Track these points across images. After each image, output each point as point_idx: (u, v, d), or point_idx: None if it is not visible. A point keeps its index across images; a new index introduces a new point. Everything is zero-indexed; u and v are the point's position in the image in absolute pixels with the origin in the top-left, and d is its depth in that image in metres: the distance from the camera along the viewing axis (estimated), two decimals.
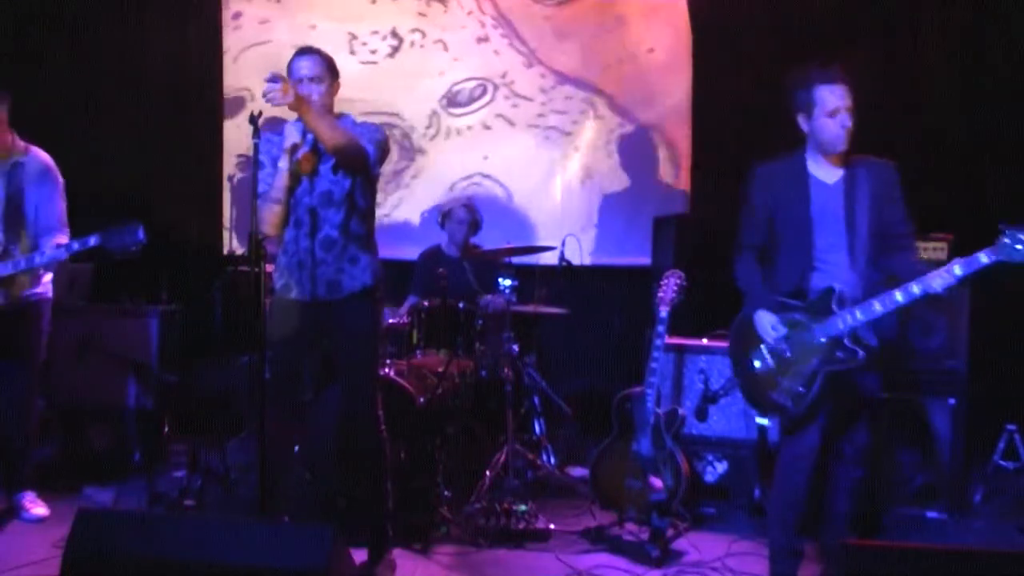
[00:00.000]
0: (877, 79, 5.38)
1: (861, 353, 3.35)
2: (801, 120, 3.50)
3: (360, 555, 3.74)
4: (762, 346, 3.52)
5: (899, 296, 3.27)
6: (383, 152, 3.71)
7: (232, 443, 4.94)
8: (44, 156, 4.39)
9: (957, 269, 3.17)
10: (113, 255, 3.89)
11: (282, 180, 3.58)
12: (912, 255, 3.51)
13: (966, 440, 4.58)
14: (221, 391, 5.31)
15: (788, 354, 3.46)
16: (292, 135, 3.59)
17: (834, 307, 3.38)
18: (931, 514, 4.53)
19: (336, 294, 3.63)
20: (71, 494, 4.64)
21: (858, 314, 3.34)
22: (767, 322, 3.49)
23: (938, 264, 4.59)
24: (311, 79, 3.59)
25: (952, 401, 4.53)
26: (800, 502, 3.53)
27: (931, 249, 4.59)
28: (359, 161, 3.57)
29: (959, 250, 4.55)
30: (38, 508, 4.38)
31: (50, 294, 4.44)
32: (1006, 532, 4.45)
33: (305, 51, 3.68)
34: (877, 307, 3.31)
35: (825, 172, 3.50)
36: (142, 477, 4.87)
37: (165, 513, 4.37)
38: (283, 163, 3.59)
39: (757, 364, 3.54)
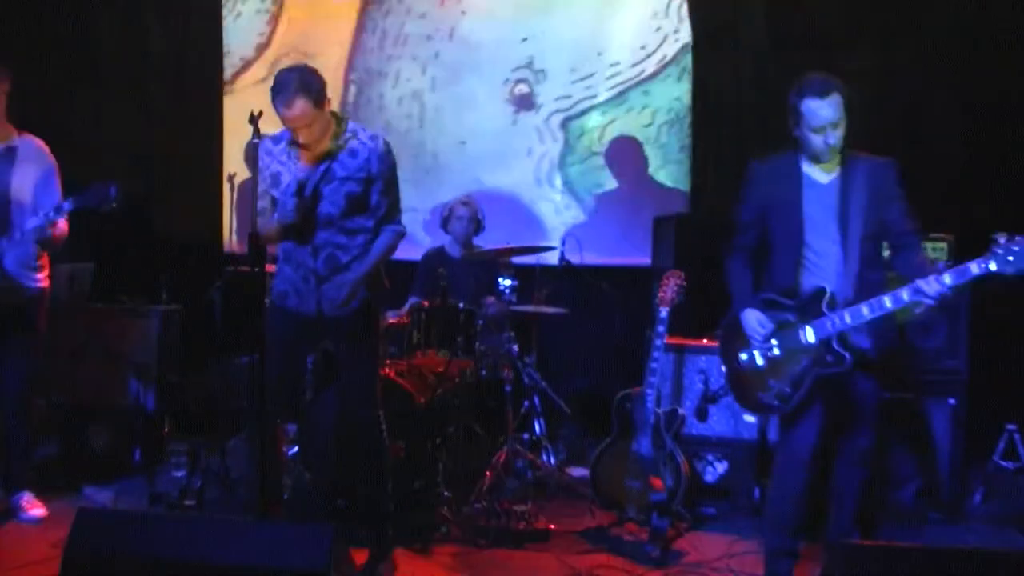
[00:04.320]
0: (877, 79, 5.38)
1: (848, 358, 3.32)
2: (792, 126, 3.42)
3: (360, 555, 3.74)
4: (751, 345, 3.49)
5: (888, 302, 3.22)
6: (394, 181, 3.66)
7: (232, 443, 4.94)
8: (39, 141, 4.33)
9: (947, 279, 3.11)
10: (93, 212, 3.95)
11: (290, 215, 3.51)
12: (915, 253, 3.43)
13: (966, 440, 4.58)
14: (221, 391, 5.30)
15: (778, 354, 3.44)
16: (286, 173, 3.50)
17: (824, 308, 3.34)
18: (931, 514, 4.53)
19: (336, 311, 3.60)
20: (71, 494, 4.65)
21: (847, 318, 3.29)
22: (754, 319, 3.45)
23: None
24: (302, 125, 3.41)
25: (952, 401, 4.53)
26: (796, 501, 3.52)
27: (931, 249, 4.58)
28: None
29: (959, 250, 4.57)
30: (36, 509, 4.37)
31: (47, 288, 4.36)
32: (1006, 532, 4.45)
33: (288, 93, 3.34)
34: (865, 312, 3.26)
35: (819, 171, 3.46)
36: (142, 477, 4.87)
37: (165, 513, 4.36)
38: (287, 199, 3.51)
39: (746, 364, 3.52)
